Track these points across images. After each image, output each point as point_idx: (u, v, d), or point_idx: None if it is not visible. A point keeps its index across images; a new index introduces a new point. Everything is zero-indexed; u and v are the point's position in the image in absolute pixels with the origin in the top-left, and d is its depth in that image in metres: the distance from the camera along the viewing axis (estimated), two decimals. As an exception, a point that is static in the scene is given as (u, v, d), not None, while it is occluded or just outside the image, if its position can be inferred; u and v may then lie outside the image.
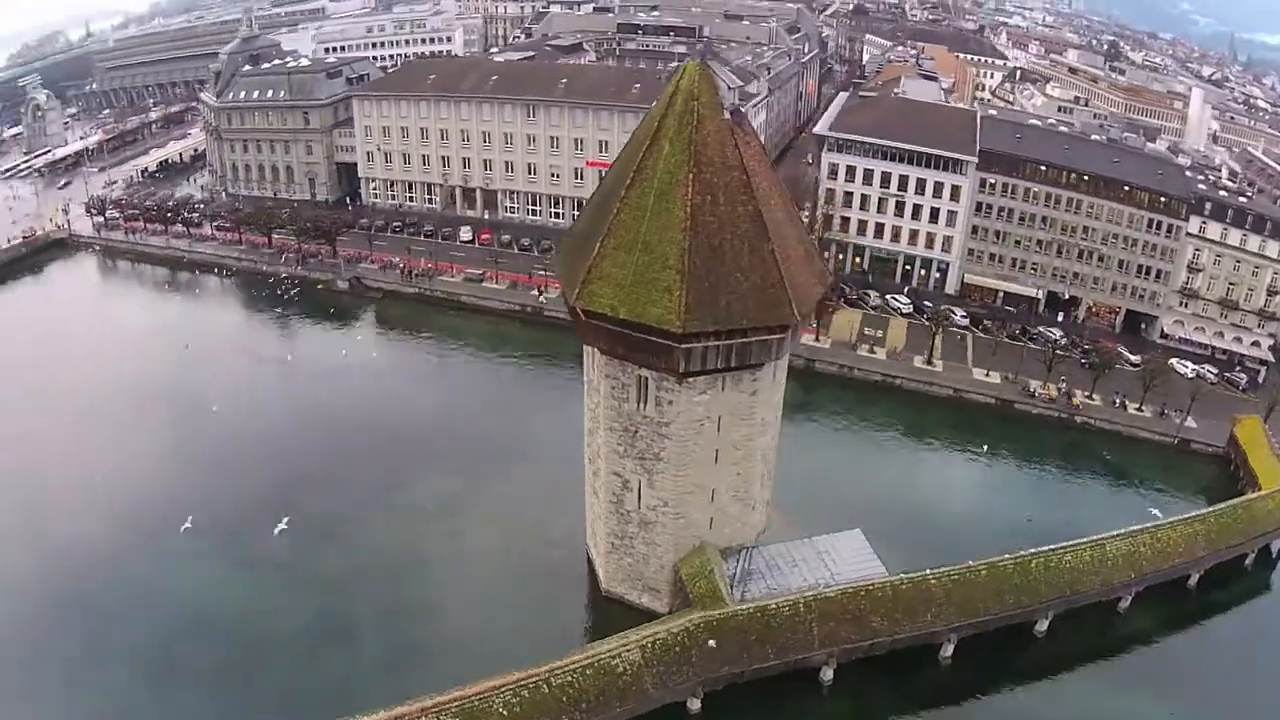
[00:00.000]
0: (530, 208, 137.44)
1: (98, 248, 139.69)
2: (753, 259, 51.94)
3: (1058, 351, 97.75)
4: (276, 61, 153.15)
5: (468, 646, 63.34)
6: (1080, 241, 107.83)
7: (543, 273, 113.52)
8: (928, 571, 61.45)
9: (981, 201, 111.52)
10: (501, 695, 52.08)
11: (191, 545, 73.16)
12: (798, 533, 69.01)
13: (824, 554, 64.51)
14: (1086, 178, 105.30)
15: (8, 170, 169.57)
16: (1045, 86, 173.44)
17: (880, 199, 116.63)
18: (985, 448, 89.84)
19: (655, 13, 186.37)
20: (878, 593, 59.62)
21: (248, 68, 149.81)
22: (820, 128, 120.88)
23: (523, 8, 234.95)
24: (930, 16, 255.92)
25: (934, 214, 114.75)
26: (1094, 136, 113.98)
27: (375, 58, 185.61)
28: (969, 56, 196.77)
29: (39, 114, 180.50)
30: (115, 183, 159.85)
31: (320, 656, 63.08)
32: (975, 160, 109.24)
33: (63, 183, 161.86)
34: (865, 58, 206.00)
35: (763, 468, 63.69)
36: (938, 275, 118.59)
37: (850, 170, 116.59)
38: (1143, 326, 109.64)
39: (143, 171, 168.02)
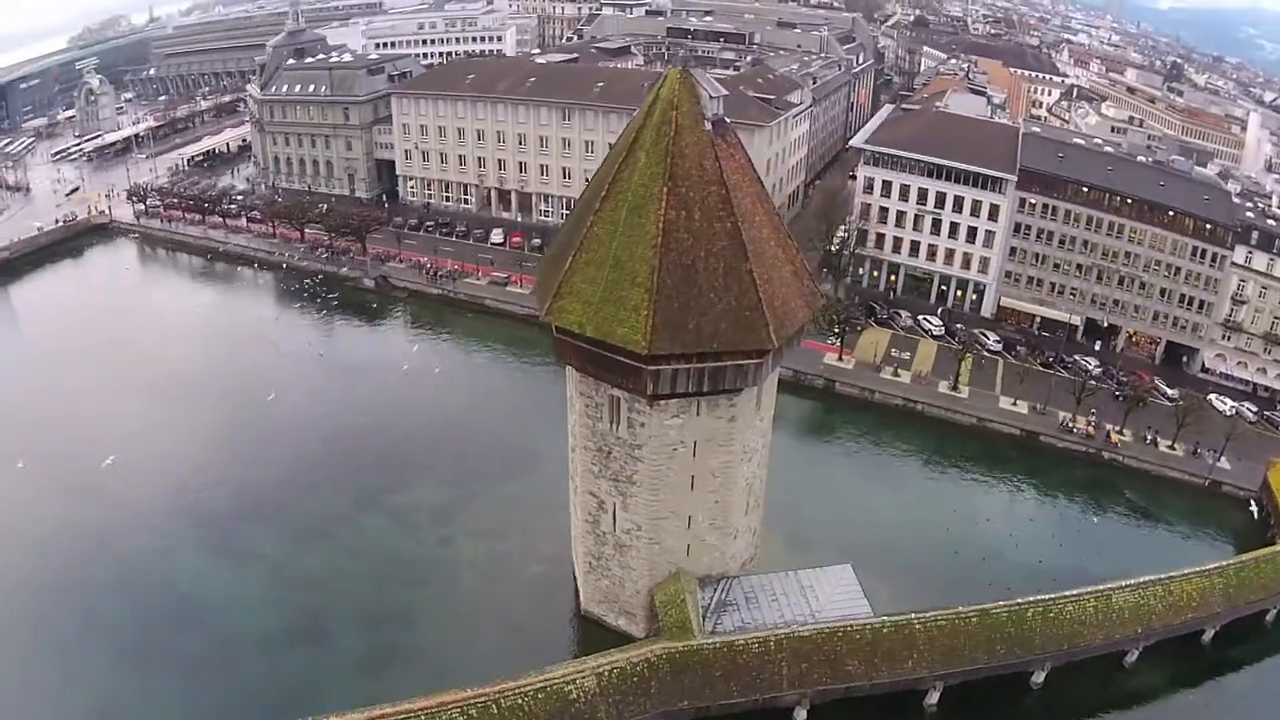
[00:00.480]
0: (564, 212, 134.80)
1: (136, 235, 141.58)
2: (728, 279, 49.33)
3: (1090, 382, 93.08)
4: (320, 56, 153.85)
5: (441, 656, 62.74)
6: (1121, 267, 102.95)
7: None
8: (912, 615, 58.15)
9: (1020, 222, 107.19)
10: (448, 712, 50.32)
11: (185, 534, 74.28)
12: (791, 563, 66.50)
13: (808, 589, 61.52)
14: (1129, 201, 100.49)
15: (58, 153, 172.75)
16: (1101, 106, 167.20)
17: (916, 216, 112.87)
18: (1004, 483, 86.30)
19: (708, 18, 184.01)
20: (856, 634, 56.50)
21: (291, 61, 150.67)
22: (858, 140, 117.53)
23: (580, 9, 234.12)
24: (992, 31, 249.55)
25: (971, 233, 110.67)
26: (1139, 158, 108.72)
27: (425, 55, 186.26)
28: (1025, 72, 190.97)
29: (92, 98, 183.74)
30: (157, 173, 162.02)
31: (293, 655, 63.21)
32: (1015, 179, 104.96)
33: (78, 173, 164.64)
34: (922, 70, 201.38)
35: (746, 497, 60.91)
36: (974, 297, 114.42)
37: (886, 185, 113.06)
38: (1183, 359, 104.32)
39: (189, 160, 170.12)
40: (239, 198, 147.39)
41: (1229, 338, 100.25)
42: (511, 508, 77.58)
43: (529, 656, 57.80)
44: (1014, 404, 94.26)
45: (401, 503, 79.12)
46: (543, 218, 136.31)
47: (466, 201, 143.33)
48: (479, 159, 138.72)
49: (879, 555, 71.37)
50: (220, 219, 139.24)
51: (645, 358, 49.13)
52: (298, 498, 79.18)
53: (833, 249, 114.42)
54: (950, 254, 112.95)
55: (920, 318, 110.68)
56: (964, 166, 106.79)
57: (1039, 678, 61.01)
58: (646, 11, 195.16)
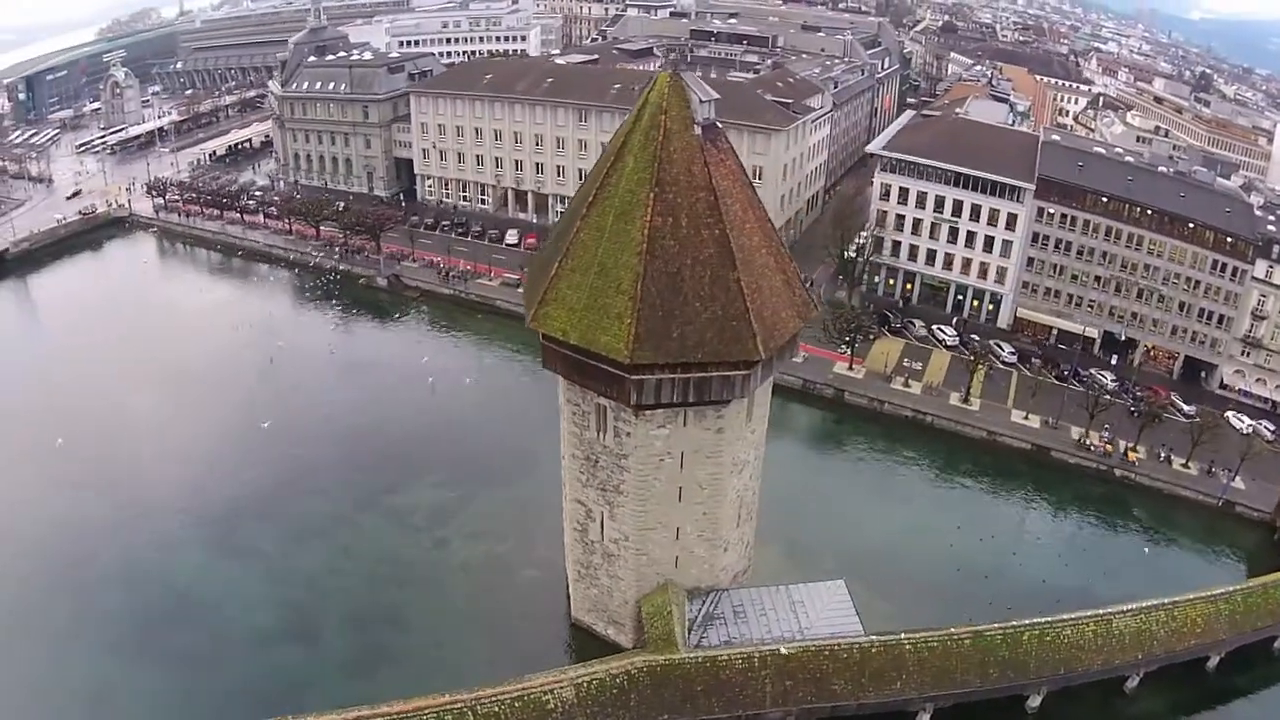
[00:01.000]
0: None
1: (155, 229, 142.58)
2: (715, 288, 48.24)
3: (1105, 397, 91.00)
4: (342, 54, 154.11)
5: (429, 659, 62.66)
6: (1140, 280, 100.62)
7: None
8: (902, 635, 56.78)
9: (1039, 232, 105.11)
10: (423, 716, 49.94)
11: (186, 528, 74.99)
12: (787, 576, 65.48)
13: (798, 604, 60.23)
14: (1149, 212, 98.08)
15: (81, 145, 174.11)
16: (1127, 115, 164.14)
17: (933, 224, 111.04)
18: (1012, 499, 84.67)
19: (732, 21, 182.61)
20: (843, 653, 55.23)
21: (312, 58, 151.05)
22: (875, 146, 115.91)
23: (606, 9, 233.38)
24: (1021, 39, 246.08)
25: (988, 242, 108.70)
26: (1160, 169, 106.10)
27: (448, 54, 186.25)
28: (1052, 80, 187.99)
29: (117, 91, 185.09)
30: (179, 167, 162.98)
31: (285, 652, 63.32)
32: (1033, 188, 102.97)
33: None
34: (948, 77, 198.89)
35: (737, 509, 59.81)
36: (990, 308, 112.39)
37: (904, 192, 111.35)
38: (1202, 375, 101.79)
39: (211, 155, 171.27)
40: (258, 194, 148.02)
41: (1248, 354, 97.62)
42: (509, 511, 77.28)
43: (516, 663, 57.50)
44: (1026, 418, 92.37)
45: (400, 503, 79.16)
46: (558, 219, 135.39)
47: (484, 201, 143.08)
48: (496, 159, 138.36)
49: (879, 570, 70.50)
50: (238, 215, 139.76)
51: (628, 367, 48.20)
52: (299, 495, 79.51)
53: (848, 256, 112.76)
54: (967, 263, 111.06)
55: (935, 328, 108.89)
56: (982, 174, 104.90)
57: (1034, 701, 59.51)
58: (671, 13, 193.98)
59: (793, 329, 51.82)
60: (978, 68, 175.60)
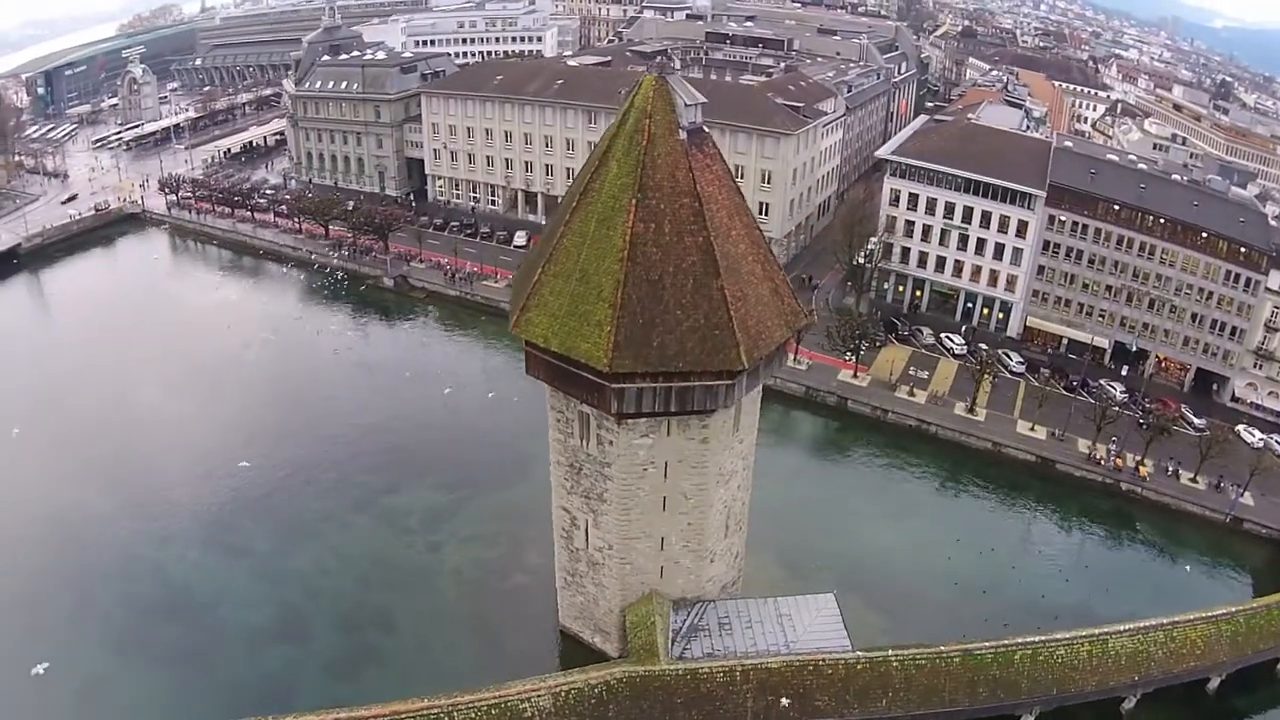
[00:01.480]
0: None
1: (167, 225, 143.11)
2: (697, 296, 47.29)
3: (1114, 409, 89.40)
4: (355, 53, 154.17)
5: (415, 662, 62.40)
6: (1152, 290, 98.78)
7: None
8: (890, 652, 55.64)
9: (1049, 240, 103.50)
10: (400, 720, 49.36)
11: (183, 524, 75.39)
12: (781, 588, 64.65)
13: (785, 617, 59.15)
14: (1161, 221, 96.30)
15: (98, 140, 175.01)
16: (1144, 122, 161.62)
17: (943, 230, 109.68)
18: (1014, 512, 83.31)
19: (748, 24, 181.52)
20: (828, 668, 54.16)
21: (326, 58, 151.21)
22: (884, 151, 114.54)
23: (625, 11, 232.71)
24: (1041, 44, 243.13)
25: (998, 250, 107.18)
26: (1174, 177, 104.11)
27: (464, 54, 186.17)
28: (1070, 86, 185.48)
29: (135, 87, 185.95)
30: (193, 164, 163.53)
31: (272, 651, 63.15)
32: (1044, 195, 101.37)
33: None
34: (965, 81, 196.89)
35: (724, 520, 58.78)
36: (1000, 316, 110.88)
37: (913, 198, 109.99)
38: (1214, 387, 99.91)
39: (226, 152, 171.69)
40: (270, 192, 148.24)
41: (1261, 366, 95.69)
42: (503, 516, 76.86)
43: (502, 668, 57.16)
44: (1031, 429, 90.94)
45: (396, 505, 78.97)
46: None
47: (494, 202, 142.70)
48: (506, 160, 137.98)
49: (874, 583, 69.68)
50: (249, 213, 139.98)
51: (608, 375, 47.38)
52: (296, 495, 79.69)
53: (857, 262, 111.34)
54: (977, 271, 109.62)
55: (943, 336, 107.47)
56: (992, 180, 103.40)
57: (1028, 721, 58.26)
58: (687, 15, 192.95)
59: (779, 338, 50.77)
60: (994, 73, 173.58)
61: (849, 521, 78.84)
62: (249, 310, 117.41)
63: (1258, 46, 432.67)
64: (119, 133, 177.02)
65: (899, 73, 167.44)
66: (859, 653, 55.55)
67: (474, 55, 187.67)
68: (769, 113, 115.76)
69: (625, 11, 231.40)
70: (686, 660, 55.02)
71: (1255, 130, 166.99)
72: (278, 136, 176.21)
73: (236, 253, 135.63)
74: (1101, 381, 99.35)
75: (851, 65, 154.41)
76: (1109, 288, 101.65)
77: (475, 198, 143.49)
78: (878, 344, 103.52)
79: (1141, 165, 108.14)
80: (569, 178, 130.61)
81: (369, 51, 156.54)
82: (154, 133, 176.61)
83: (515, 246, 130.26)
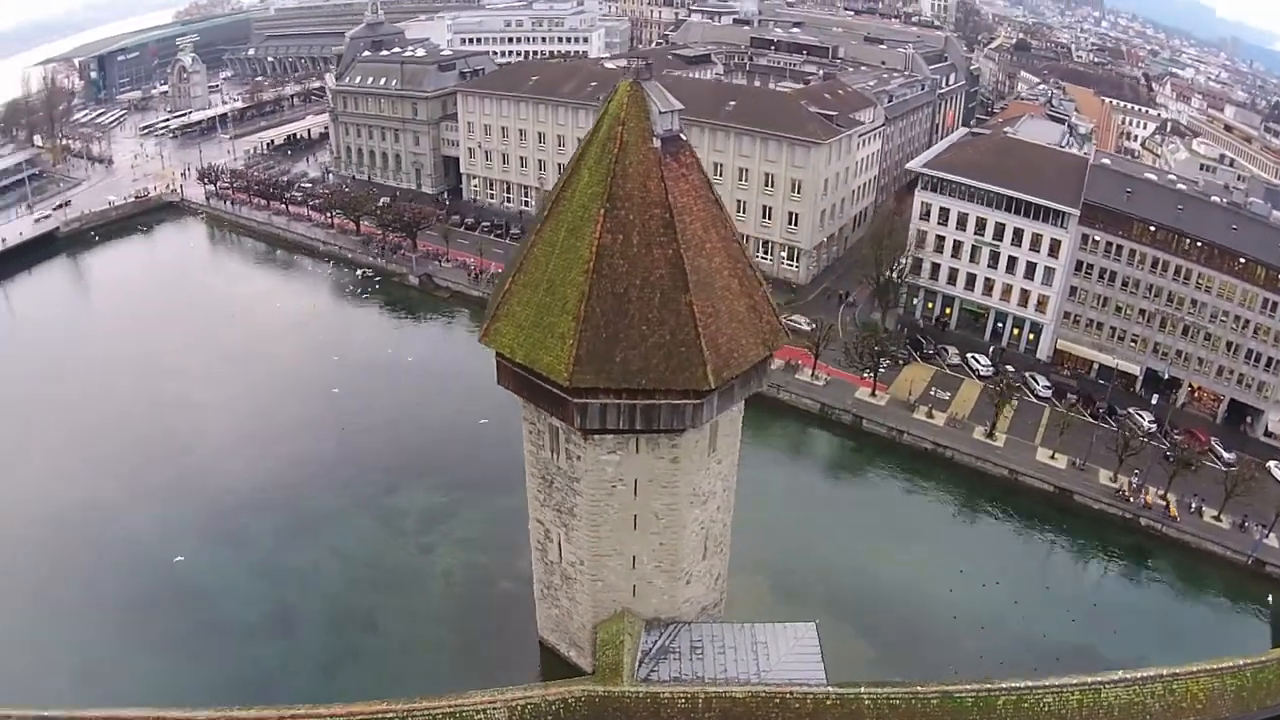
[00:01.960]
0: None
1: (204, 215, 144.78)
2: (664, 311, 45.52)
3: (1139, 439, 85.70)
4: (396, 49, 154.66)
5: (397, 662, 62.42)
6: (1186, 316, 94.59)
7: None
8: (863, 689, 53.02)
9: (1083, 260, 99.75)
10: (354, 720, 48.48)
11: (186, 515, 76.16)
12: (769, 613, 62.85)
13: (761, 645, 56.96)
14: (1198, 244, 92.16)
15: (145, 127, 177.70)
16: (1192, 142, 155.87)
17: (973, 246, 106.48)
18: (1025, 544, 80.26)
19: (795, 30, 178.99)
20: (795, 703, 51.86)
21: (367, 53, 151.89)
22: (916, 164, 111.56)
23: (676, 13, 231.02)
24: (1095, 60, 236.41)
25: (1030, 269, 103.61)
26: (1214, 198, 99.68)
27: (509, 53, 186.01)
28: (1119, 103, 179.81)
29: (184, 75, 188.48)
30: (235, 154, 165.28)
31: (258, 646, 63.69)
32: (1078, 213, 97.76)
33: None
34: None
35: (701, 541, 56.82)
36: (1030, 337, 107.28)
37: (944, 212, 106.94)
38: (1247, 420, 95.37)
39: (270, 144, 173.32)
40: (307, 185, 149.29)
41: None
42: (498, 520, 75.48)
43: (477, 675, 56.30)
44: (1052, 457, 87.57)
45: (395, 505, 78.73)
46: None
47: (526, 204, 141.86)
48: (539, 161, 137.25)
49: (867, 612, 67.60)
50: (284, 206, 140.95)
51: (569, 389, 45.91)
52: (299, 491, 79.91)
53: (884, 277, 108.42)
54: (1007, 289, 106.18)
55: (969, 356, 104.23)
56: (1024, 196, 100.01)
57: (1008, 770, 55.43)
58: (734, 20, 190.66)
59: (754, 357, 48.69)
60: (1041, 86, 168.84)
61: (851, 545, 76.19)
62: (276, 303, 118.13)
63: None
64: (166, 120, 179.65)
65: (946, 84, 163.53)
66: (830, 688, 53.14)
67: (518, 55, 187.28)
68: (801, 121, 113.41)
69: (676, 14, 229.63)
70: (651, 682, 53.16)
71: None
72: (322, 130, 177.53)
73: (270, 245, 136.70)
74: (1130, 409, 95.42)
75: (895, 75, 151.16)
76: (1142, 312, 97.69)
77: (509, 198, 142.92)
78: (900, 362, 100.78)
79: (1181, 186, 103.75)
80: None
81: (410, 49, 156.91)
82: (200, 121, 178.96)
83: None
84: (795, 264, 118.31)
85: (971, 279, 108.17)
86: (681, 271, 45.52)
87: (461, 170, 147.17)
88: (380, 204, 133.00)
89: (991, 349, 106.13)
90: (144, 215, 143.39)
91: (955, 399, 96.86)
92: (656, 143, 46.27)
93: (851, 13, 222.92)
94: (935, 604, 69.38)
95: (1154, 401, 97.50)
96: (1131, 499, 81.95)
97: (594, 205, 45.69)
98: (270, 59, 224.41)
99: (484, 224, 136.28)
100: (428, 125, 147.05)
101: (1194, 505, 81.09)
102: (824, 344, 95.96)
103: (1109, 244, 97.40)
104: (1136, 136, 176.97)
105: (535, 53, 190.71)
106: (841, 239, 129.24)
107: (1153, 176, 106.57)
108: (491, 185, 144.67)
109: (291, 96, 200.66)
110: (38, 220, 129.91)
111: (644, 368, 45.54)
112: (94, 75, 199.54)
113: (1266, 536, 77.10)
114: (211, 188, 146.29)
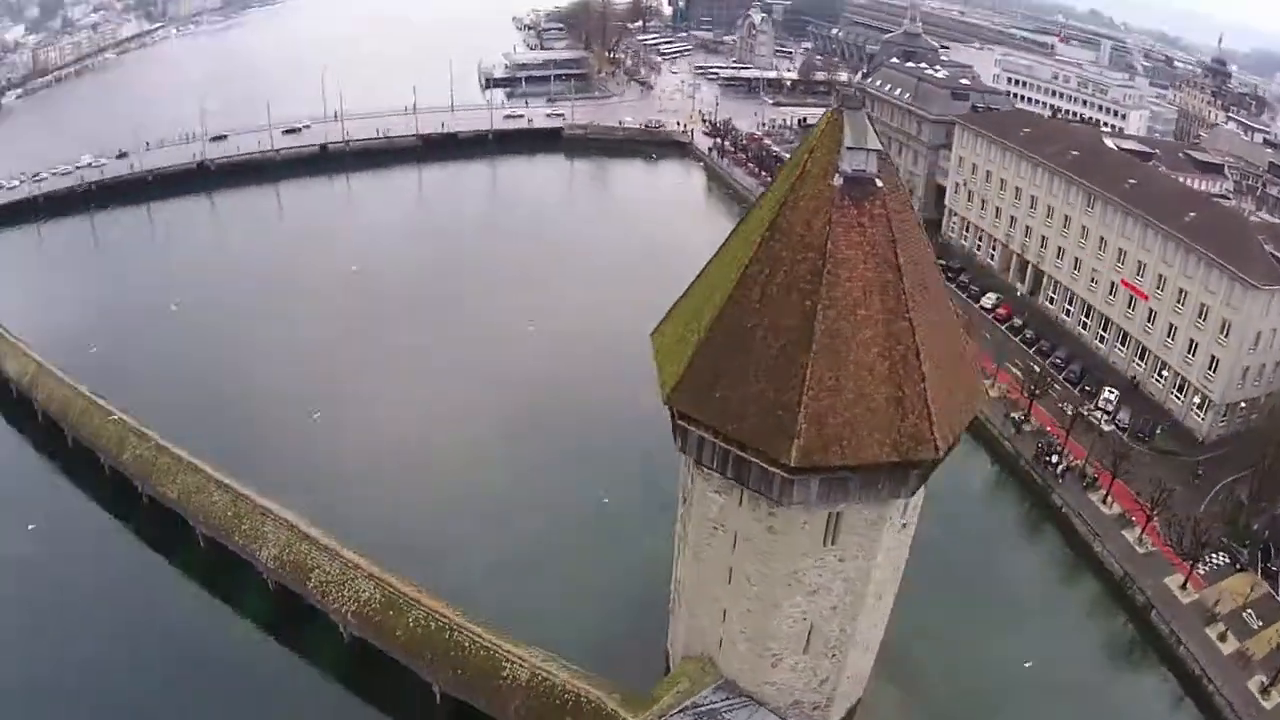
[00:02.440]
0: (1067, 306, 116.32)
1: (702, 164, 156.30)
2: (778, 362, 41.21)
3: None
4: (922, 65, 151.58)
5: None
6: None
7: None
8: None
9: None
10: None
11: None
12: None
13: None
14: None
15: (700, 68, 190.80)
16: None
17: None
18: None
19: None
20: None
21: (894, 60, 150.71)
22: None
23: (1229, 118, 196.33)
24: None
25: None
26: None
27: (1042, 104, 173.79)
28: None
29: (753, 32, 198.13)
30: (763, 119, 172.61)
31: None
32: None
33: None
34: None
35: (803, 633, 50.32)
36: None
37: None
38: None
39: (801, 121, 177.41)
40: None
41: None
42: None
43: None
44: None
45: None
46: (1047, 303, 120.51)
47: (992, 257, 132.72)
48: (1011, 217, 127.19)
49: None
50: (769, 177, 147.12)
51: (670, 408, 44.34)
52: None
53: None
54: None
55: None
56: None
57: None
58: (1265, 140, 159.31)
59: (872, 456, 41.47)
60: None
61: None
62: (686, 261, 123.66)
63: None
64: (719, 68, 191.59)
65: None
66: None
67: (1044, 107, 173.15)
68: (1243, 251, 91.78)
69: (1227, 120, 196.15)
70: (672, 736, 50.24)
71: None
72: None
73: (744, 207, 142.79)
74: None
75: None
76: None
77: (979, 245, 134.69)
78: (1237, 565, 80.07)
79: None
80: (1059, 258, 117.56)
81: (935, 68, 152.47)
82: (748, 80, 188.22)
83: (980, 306, 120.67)
84: (1202, 414, 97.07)
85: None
86: (810, 328, 40.65)
87: (945, 203, 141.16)
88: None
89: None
90: (645, 144, 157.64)
91: (1266, 632, 73.62)
92: (838, 179, 41.43)
93: None
94: None
95: None
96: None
97: (755, 232, 42.72)
98: (848, 43, 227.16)
99: (941, 262, 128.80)
100: (927, 148, 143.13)
101: None
102: (1157, 508, 79.30)
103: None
104: None
105: (1068, 111, 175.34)
106: (1265, 408, 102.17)
107: None
108: (967, 228, 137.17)
109: (834, 81, 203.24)
110: (549, 115, 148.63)
111: (739, 414, 42.11)
112: (681, 4, 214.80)
113: None
114: (713, 142, 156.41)
